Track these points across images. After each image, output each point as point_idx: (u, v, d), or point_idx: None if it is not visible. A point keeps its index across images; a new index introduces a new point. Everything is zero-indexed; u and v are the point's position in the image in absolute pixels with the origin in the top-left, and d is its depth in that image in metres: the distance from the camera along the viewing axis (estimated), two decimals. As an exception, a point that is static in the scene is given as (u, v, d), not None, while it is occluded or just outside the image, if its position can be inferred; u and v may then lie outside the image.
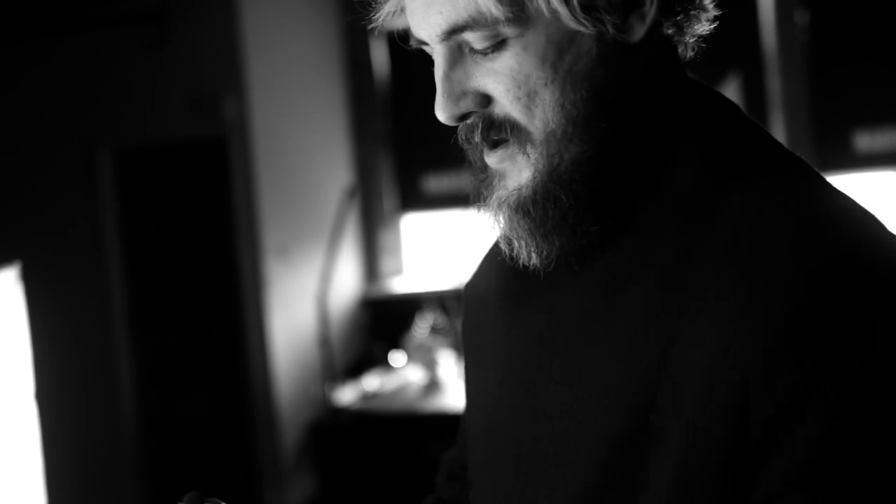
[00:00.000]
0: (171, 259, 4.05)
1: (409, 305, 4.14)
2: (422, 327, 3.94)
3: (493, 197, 0.74)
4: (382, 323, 4.42)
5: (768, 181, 0.68)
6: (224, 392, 3.98)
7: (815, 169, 0.74)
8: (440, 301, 4.03)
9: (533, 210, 0.71)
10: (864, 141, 3.98)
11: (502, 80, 0.69)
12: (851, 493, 0.58)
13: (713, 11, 0.74)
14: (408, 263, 4.63)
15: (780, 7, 4.01)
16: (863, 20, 3.95)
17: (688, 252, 0.67)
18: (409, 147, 4.58)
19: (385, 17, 0.77)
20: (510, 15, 0.66)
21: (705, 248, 0.66)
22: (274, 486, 3.82)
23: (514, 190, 0.72)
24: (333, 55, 4.50)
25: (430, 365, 3.69)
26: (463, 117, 0.72)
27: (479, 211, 0.77)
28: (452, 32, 0.69)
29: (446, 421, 3.18)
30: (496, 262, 0.86)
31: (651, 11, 0.68)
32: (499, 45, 0.68)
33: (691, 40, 0.75)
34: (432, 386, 3.63)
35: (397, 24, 0.78)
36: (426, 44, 0.73)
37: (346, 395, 3.73)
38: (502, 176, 0.73)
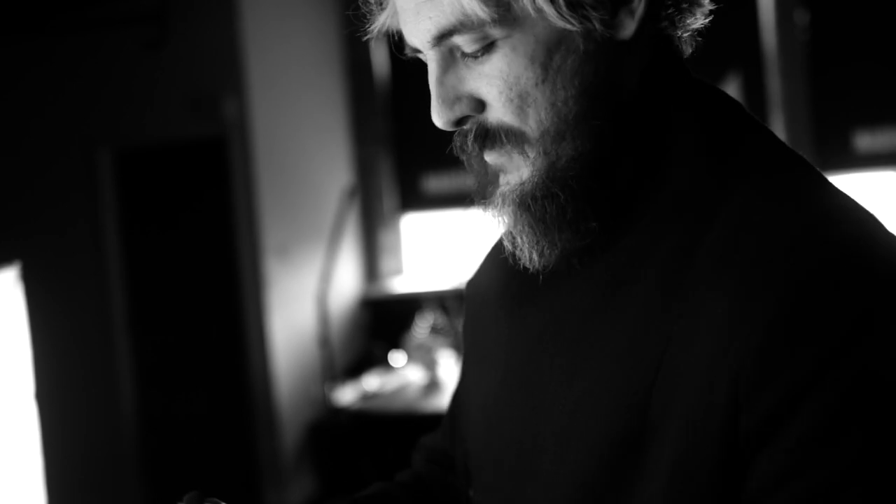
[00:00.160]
0: (171, 259, 4.05)
1: (409, 305, 4.14)
2: (422, 327, 3.94)
3: (497, 193, 0.74)
4: (382, 323, 4.42)
5: (768, 181, 0.68)
6: (224, 392, 3.98)
7: (816, 168, 0.73)
8: (440, 301, 4.03)
9: (532, 205, 0.71)
10: (864, 141, 3.98)
11: (494, 83, 0.69)
12: (841, 491, 0.59)
13: (708, 5, 0.74)
14: (408, 263, 4.63)
15: (780, 7, 4.01)
16: (863, 20, 3.95)
17: (688, 252, 0.67)
18: (409, 147, 4.58)
19: (380, 27, 0.77)
20: (496, 16, 0.66)
21: (705, 248, 0.66)
22: (274, 486, 3.82)
23: (517, 185, 0.72)
24: (333, 55, 4.50)
25: (430, 365, 3.69)
26: (459, 122, 0.73)
27: (483, 209, 0.77)
28: (442, 37, 0.69)
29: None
30: (498, 262, 0.86)
31: (640, 7, 0.68)
32: (488, 47, 0.68)
33: (686, 35, 0.75)
34: (432, 386, 3.63)
35: (396, 25, 0.78)
36: (420, 51, 0.73)
37: (346, 395, 3.73)
38: (503, 171, 0.73)
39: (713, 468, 0.62)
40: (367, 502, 0.98)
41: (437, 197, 4.53)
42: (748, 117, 0.76)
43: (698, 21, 0.74)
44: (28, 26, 3.99)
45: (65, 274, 4.10)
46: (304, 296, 3.99)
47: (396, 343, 4.07)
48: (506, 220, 0.74)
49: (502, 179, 0.74)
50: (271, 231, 3.85)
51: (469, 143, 0.73)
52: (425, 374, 3.71)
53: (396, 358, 4.01)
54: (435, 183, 4.53)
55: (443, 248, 4.55)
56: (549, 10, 0.66)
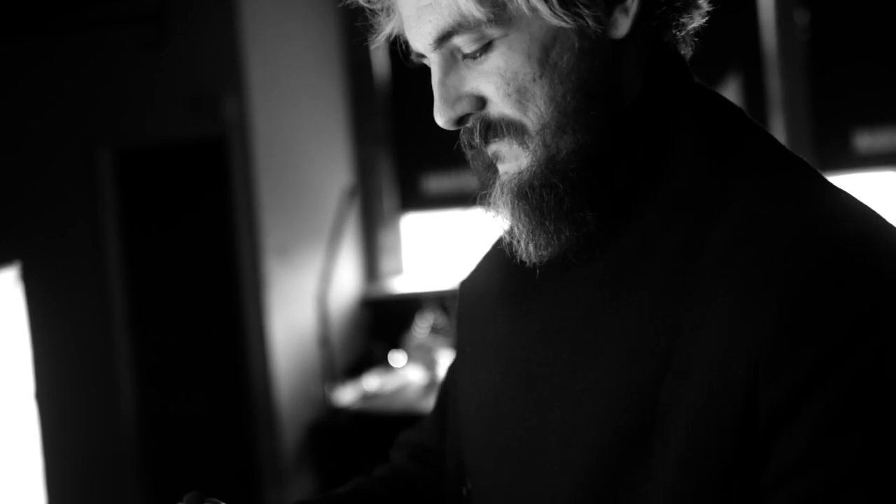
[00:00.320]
0: (171, 259, 4.05)
1: (409, 305, 4.14)
2: (422, 327, 3.94)
3: (497, 183, 0.76)
4: (382, 323, 4.42)
5: (769, 180, 0.70)
6: (224, 392, 3.98)
7: (815, 169, 0.75)
8: (440, 301, 4.03)
9: (530, 194, 0.73)
10: (864, 141, 3.98)
11: (492, 80, 0.72)
12: (842, 491, 0.60)
13: (705, 6, 0.76)
14: (408, 263, 4.63)
15: (780, 7, 4.01)
16: (863, 20, 3.95)
17: (690, 249, 0.69)
18: (409, 147, 4.58)
19: (388, 35, 0.81)
20: (492, 16, 0.69)
21: (709, 245, 0.68)
22: (274, 486, 3.83)
23: (515, 174, 0.74)
24: (334, 55, 4.50)
25: (430, 365, 3.69)
26: (460, 120, 0.75)
27: (483, 202, 0.79)
28: (442, 39, 0.72)
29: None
30: (496, 261, 0.89)
31: (634, 6, 0.70)
32: (486, 47, 0.71)
33: (681, 34, 0.77)
34: (432, 386, 3.63)
35: (403, 32, 0.80)
36: (424, 56, 0.76)
37: (346, 395, 3.73)
38: (502, 161, 0.76)
39: (726, 454, 0.63)
40: (346, 499, 0.97)
41: (437, 197, 4.53)
42: (747, 120, 0.78)
43: (695, 22, 0.76)
44: (28, 26, 3.99)
45: (65, 274, 4.10)
46: (304, 296, 3.99)
47: (396, 343, 4.07)
48: (504, 210, 0.76)
49: (501, 169, 0.76)
50: (271, 231, 3.85)
51: (476, 137, 0.75)
52: (425, 374, 3.71)
53: (396, 358, 4.01)
54: (435, 183, 4.53)
55: (443, 248, 4.55)
56: (542, 9, 0.68)
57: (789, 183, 0.71)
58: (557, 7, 0.68)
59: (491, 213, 0.78)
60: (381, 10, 0.80)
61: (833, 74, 3.99)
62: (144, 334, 4.08)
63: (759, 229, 0.66)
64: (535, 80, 0.70)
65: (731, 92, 4.08)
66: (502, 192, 0.75)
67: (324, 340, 3.57)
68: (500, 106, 0.73)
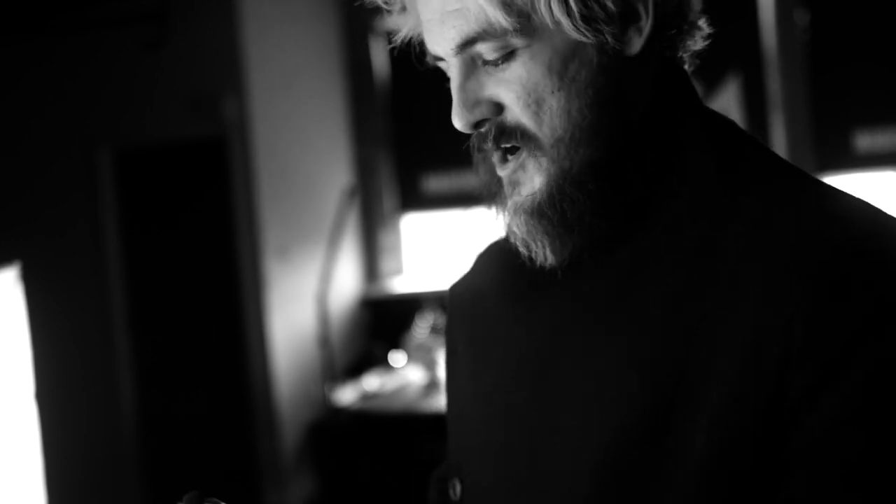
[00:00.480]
0: (171, 259, 4.05)
1: (409, 305, 4.14)
2: (422, 327, 3.94)
3: (509, 204, 0.78)
4: (382, 323, 4.42)
5: (782, 184, 0.74)
6: (224, 392, 3.98)
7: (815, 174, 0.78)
8: (440, 301, 4.03)
9: (550, 211, 0.75)
10: (864, 141, 3.98)
11: (513, 88, 0.74)
12: (883, 454, 0.63)
13: (706, 29, 0.80)
14: (408, 263, 4.63)
15: (780, 7, 4.00)
16: (863, 20, 3.95)
17: (707, 247, 0.72)
18: (409, 147, 4.58)
19: (404, 38, 0.82)
20: (518, 26, 0.71)
21: (726, 244, 0.71)
22: (274, 486, 3.83)
23: (528, 196, 0.76)
24: (334, 55, 4.50)
25: (430, 365, 3.69)
26: (477, 124, 0.77)
27: (494, 217, 0.82)
28: (466, 45, 0.74)
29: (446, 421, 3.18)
30: (496, 262, 0.91)
31: (647, 25, 0.73)
32: (508, 55, 0.73)
33: (686, 55, 0.80)
34: (432, 386, 3.63)
35: (419, 35, 0.82)
36: (441, 59, 0.78)
37: (346, 395, 3.73)
38: (515, 184, 0.78)
39: (753, 431, 0.66)
40: None
41: (437, 197, 4.53)
42: (750, 135, 0.80)
43: (697, 44, 0.80)
44: (28, 26, 3.99)
45: (65, 274, 4.10)
46: (304, 296, 3.99)
47: (396, 343, 4.07)
48: (519, 228, 0.78)
49: (515, 190, 0.78)
50: (271, 231, 3.85)
51: (489, 142, 0.77)
52: (425, 374, 3.71)
53: (396, 358, 4.01)
54: (435, 183, 4.53)
55: (443, 248, 4.55)
56: (565, 23, 0.71)
57: (801, 186, 0.74)
58: (580, 22, 0.71)
59: (505, 226, 0.80)
60: (398, 10, 0.81)
61: (833, 74, 3.99)
62: (144, 334, 4.08)
63: (779, 227, 0.69)
64: (553, 92, 0.73)
65: (731, 92, 4.08)
66: (518, 212, 0.77)
67: (324, 340, 3.57)
68: (517, 114, 0.75)
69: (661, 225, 0.75)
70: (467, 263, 1.00)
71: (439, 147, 4.39)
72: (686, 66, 0.81)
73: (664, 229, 0.75)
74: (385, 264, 4.61)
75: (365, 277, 4.59)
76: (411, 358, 3.84)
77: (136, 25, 3.84)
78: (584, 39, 0.72)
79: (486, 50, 0.74)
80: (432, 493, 1.05)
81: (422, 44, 0.80)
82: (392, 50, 0.84)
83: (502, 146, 0.77)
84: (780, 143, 4.04)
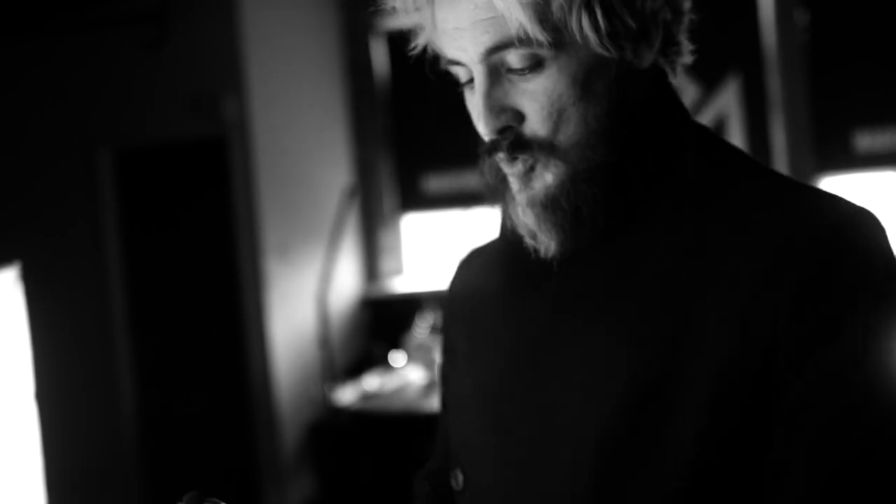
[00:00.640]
0: (171, 259, 4.05)
1: (409, 305, 4.14)
2: (422, 327, 3.94)
3: (521, 197, 0.83)
4: (382, 323, 4.42)
5: (763, 180, 0.82)
6: (224, 392, 3.98)
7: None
8: (440, 301, 4.03)
9: (566, 203, 0.81)
10: (864, 141, 3.98)
11: (538, 99, 0.79)
12: (869, 407, 0.71)
13: (690, 48, 0.87)
14: (408, 263, 4.63)
15: (780, 7, 4.01)
16: (863, 20, 3.95)
17: (701, 234, 0.79)
18: (409, 147, 4.58)
19: (422, 45, 0.86)
20: (551, 39, 0.76)
21: (718, 231, 0.78)
22: (274, 486, 3.83)
23: (541, 189, 0.81)
24: (333, 55, 4.50)
25: (430, 365, 3.69)
26: (501, 130, 0.81)
27: (498, 212, 0.87)
28: (495, 50, 0.78)
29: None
30: (493, 258, 0.96)
31: (657, 41, 0.80)
32: (535, 65, 0.78)
33: (675, 69, 0.88)
34: (432, 386, 3.63)
35: (433, 42, 0.86)
36: (459, 64, 0.81)
37: (346, 395, 3.73)
38: (527, 181, 0.82)
39: (747, 394, 0.73)
40: None
41: (437, 197, 4.53)
42: (727, 140, 0.88)
43: (685, 59, 0.87)
44: (28, 26, 3.99)
45: (65, 274, 4.10)
46: (304, 296, 3.99)
47: (396, 343, 4.07)
48: (529, 220, 0.83)
49: (526, 185, 0.83)
50: (271, 231, 3.85)
51: (504, 149, 0.81)
52: (425, 374, 3.71)
53: (396, 358, 4.01)
54: (435, 183, 4.53)
55: (443, 248, 4.55)
56: (592, 38, 0.76)
57: (780, 182, 0.81)
58: (606, 38, 0.76)
59: (507, 219, 0.85)
60: (410, 17, 0.85)
61: (833, 74, 3.99)
62: (144, 334, 4.08)
63: (764, 217, 0.77)
64: (574, 103, 0.78)
65: (731, 92, 4.08)
66: (530, 205, 0.82)
67: (324, 340, 3.57)
68: (537, 126, 0.80)
69: (659, 217, 0.81)
70: (451, 270, 1.06)
71: (439, 147, 4.39)
72: (674, 78, 0.88)
73: (662, 220, 0.81)
74: (385, 264, 4.61)
75: (365, 277, 4.59)
76: (411, 358, 3.84)
77: (136, 25, 3.84)
78: (606, 54, 0.77)
79: (514, 58, 0.77)
80: (422, 489, 1.08)
81: (430, 49, 0.85)
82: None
83: (517, 155, 0.81)
84: (780, 143, 4.04)
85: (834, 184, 4.04)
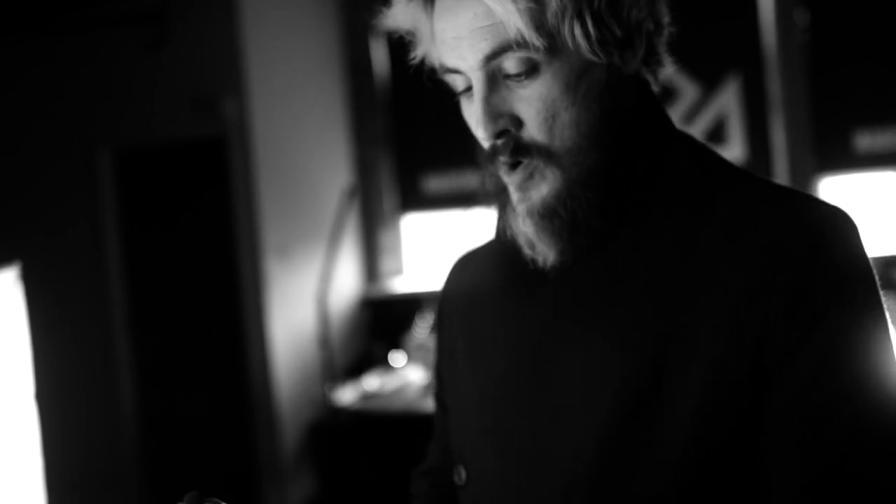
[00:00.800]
0: (171, 259, 4.05)
1: (410, 305, 4.15)
2: (422, 327, 3.94)
3: (520, 208, 0.87)
4: (382, 323, 4.42)
5: (747, 184, 0.86)
6: (224, 392, 3.98)
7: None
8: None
9: (562, 211, 0.84)
10: (864, 141, 3.98)
11: (533, 104, 0.83)
12: (851, 405, 0.76)
13: (670, 64, 0.91)
14: (408, 263, 4.63)
15: (780, 7, 4.01)
16: (863, 20, 3.95)
17: (692, 236, 0.83)
18: (409, 147, 4.58)
19: (420, 56, 0.90)
20: (546, 44, 0.80)
21: (708, 234, 0.82)
22: (274, 486, 3.83)
23: (538, 199, 0.85)
24: (333, 55, 4.50)
25: (430, 365, 3.69)
26: (498, 135, 0.85)
27: (496, 221, 0.91)
28: (494, 56, 0.82)
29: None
30: (491, 262, 0.99)
31: (641, 50, 0.85)
32: (531, 71, 0.82)
33: (657, 79, 0.92)
34: (432, 386, 3.63)
35: (432, 51, 0.89)
36: (457, 72, 0.85)
37: (346, 395, 3.73)
38: (525, 190, 0.86)
39: (739, 387, 0.78)
40: None
41: (437, 197, 4.53)
42: (709, 147, 0.93)
43: (666, 69, 0.91)
44: (28, 26, 3.99)
45: (65, 274, 4.10)
46: (304, 296, 3.99)
47: (396, 343, 4.07)
48: (528, 230, 0.86)
49: (524, 195, 0.86)
50: (271, 231, 3.85)
51: (505, 154, 0.85)
52: (425, 374, 3.71)
53: (396, 358, 4.01)
54: (435, 183, 4.53)
55: (443, 248, 4.55)
56: (584, 45, 0.81)
57: (768, 186, 0.85)
58: (596, 45, 0.81)
59: (506, 228, 0.89)
60: (409, 35, 0.90)
61: (833, 74, 3.99)
62: (144, 334, 4.08)
63: (750, 219, 0.81)
64: (567, 107, 0.83)
65: (731, 92, 4.08)
66: (529, 215, 0.86)
67: (324, 340, 3.57)
68: (534, 130, 0.84)
69: (651, 223, 0.85)
70: (446, 271, 1.09)
71: (439, 147, 4.39)
72: (656, 87, 0.93)
73: (654, 226, 0.85)
74: (385, 264, 4.61)
75: (365, 277, 4.59)
76: (411, 358, 3.84)
77: (136, 25, 3.84)
78: (596, 60, 0.82)
79: (511, 63, 0.82)
80: (420, 486, 1.11)
81: (428, 59, 0.89)
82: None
83: (516, 159, 0.84)
84: (780, 143, 4.05)
85: (834, 184, 4.04)
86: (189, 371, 4.04)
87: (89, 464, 4.10)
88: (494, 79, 0.83)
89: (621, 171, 0.86)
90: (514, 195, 0.87)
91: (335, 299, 4.14)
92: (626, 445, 0.80)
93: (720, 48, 4.07)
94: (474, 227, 0.93)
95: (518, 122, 0.84)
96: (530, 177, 0.85)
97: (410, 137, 4.56)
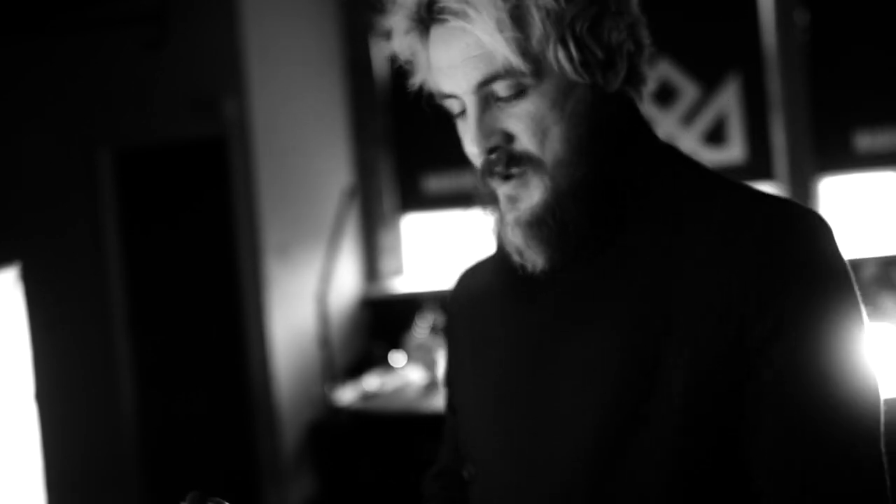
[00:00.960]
0: (171, 259, 4.05)
1: (410, 305, 4.14)
2: (422, 327, 3.94)
3: (508, 218, 0.93)
4: (382, 323, 4.42)
5: (725, 191, 0.92)
6: (224, 392, 3.98)
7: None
8: (440, 301, 4.03)
9: (550, 220, 0.91)
10: (864, 141, 3.98)
11: (523, 121, 0.90)
12: (830, 367, 0.82)
13: (652, 81, 0.99)
14: (408, 263, 4.63)
15: (780, 7, 4.01)
16: (863, 20, 3.95)
17: (677, 239, 0.89)
18: (409, 147, 4.58)
19: (420, 80, 0.98)
20: (532, 69, 0.88)
21: (691, 233, 0.89)
22: (274, 486, 3.83)
23: (527, 209, 0.92)
24: (334, 55, 4.50)
25: (430, 365, 3.69)
26: (490, 150, 0.92)
27: (491, 230, 0.97)
28: (485, 83, 0.89)
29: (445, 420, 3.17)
30: (493, 268, 1.06)
31: (623, 70, 0.92)
32: (519, 93, 0.89)
33: (641, 98, 0.99)
34: (432, 386, 3.63)
35: (429, 78, 0.97)
36: (453, 97, 0.93)
37: (346, 395, 3.73)
38: (514, 200, 0.93)
39: (723, 374, 0.84)
40: None
41: (437, 197, 4.53)
42: (690, 156, 0.99)
43: (649, 88, 0.99)
44: (28, 26, 3.99)
45: (65, 274, 4.10)
46: (304, 296, 3.99)
47: (396, 343, 4.07)
48: (517, 238, 0.93)
49: (513, 206, 0.93)
50: (271, 231, 3.85)
51: (499, 166, 0.92)
52: (425, 374, 3.71)
53: (396, 358, 4.01)
54: (435, 183, 4.53)
55: (443, 248, 4.55)
56: (567, 67, 0.88)
57: (747, 191, 0.92)
58: (580, 67, 0.89)
59: (504, 237, 0.95)
60: (408, 63, 0.98)
61: (833, 74, 3.99)
62: (144, 334, 4.08)
63: (730, 223, 0.87)
64: (556, 123, 0.90)
65: (731, 92, 4.08)
66: (519, 224, 0.92)
67: (324, 340, 3.57)
68: (525, 143, 0.90)
69: (640, 227, 0.92)
70: (454, 280, 1.16)
71: (439, 147, 4.39)
72: (642, 105, 1.00)
73: (642, 230, 0.91)
74: (385, 264, 4.61)
75: (365, 277, 4.59)
76: (411, 358, 3.84)
77: (136, 25, 3.84)
78: (580, 80, 0.89)
79: (501, 88, 0.89)
80: (432, 490, 1.16)
81: (426, 86, 0.97)
82: (369, 47, 0.96)
83: (510, 170, 0.91)
84: (780, 143, 4.05)
85: (834, 184, 4.04)
86: (189, 371, 4.04)
87: (89, 464, 4.10)
88: (487, 101, 0.91)
89: (609, 181, 0.92)
90: (504, 206, 0.94)
91: (335, 299, 4.14)
92: (623, 439, 0.85)
93: (720, 48, 4.07)
94: (474, 227, 1.00)
95: (509, 138, 0.91)
96: (522, 186, 0.92)
97: (410, 137, 4.56)
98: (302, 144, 4.18)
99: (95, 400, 4.08)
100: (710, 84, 4.08)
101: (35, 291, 4.06)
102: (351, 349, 4.33)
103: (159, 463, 4.06)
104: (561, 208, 0.91)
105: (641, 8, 0.96)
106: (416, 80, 0.98)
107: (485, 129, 0.91)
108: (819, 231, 0.86)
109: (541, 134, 0.90)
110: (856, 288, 0.87)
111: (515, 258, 0.94)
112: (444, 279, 4.27)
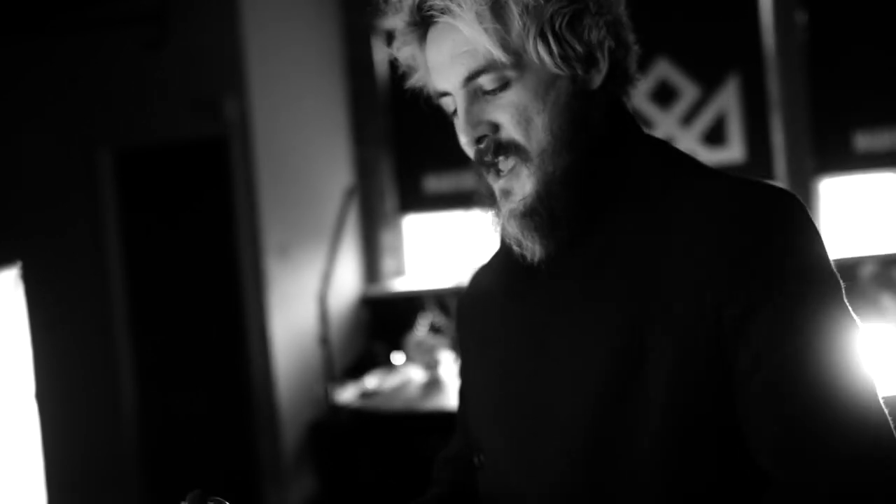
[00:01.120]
0: (172, 259, 4.05)
1: (410, 305, 4.15)
2: (422, 327, 3.94)
3: (504, 210, 0.99)
4: (383, 322, 4.42)
5: (708, 180, 0.96)
6: (224, 392, 3.98)
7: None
8: (440, 300, 4.03)
9: (541, 209, 0.96)
10: (864, 141, 3.98)
11: (508, 111, 0.96)
12: (811, 350, 0.86)
13: (639, 78, 1.04)
14: (409, 263, 4.64)
15: (779, 7, 4.01)
16: (862, 20, 3.95)
17: (660, 225, 0.94)
18: (410, 147, 4.58)
19: (418, 84, 1.05)
20: (513, 61, 0.94)
21: (675, 222, 0.93)
22: (274, 485, 3.83)
23: (520, 200, 0.97)
24: (334, 55, 4.50)
25: (431, 364, 3.70)
26: (478, 140, 0.98)
27: (490, 221, 1.02)
28: (471, 78, 0.96)
29: (446, 419, 3.18)
30: (494, 269, 1.12)
31: (604, 68, 0.97)
32: (504, 86, 0.96)
33: (629, 96, 1.04)
34: (432, 385, 3.63)
35: (426, 79, 1.04)
36: (447, 94, 0.99)
37: (347, 394, 3.73)
38: (508, 193, 0.99)
39: (706, 358, 0.88)
40: None
41: (438, 197, 4.53)
42: (677, 148, 1.04)
43: (635, 88, 1.04)
44: (28, 26, 3.99)
45: (65, 274, 4.10)
46: (304, 295, 3.99)
47: (397, 342, 4.07)
48: (513, 230, 0.98)
49: (508, 199, 0.99)
50: (271, 231, 3.85)
51: (489, 154, 0.98)
52: (425, 374, 3.72)
53: (397, 357, 4.01)
54: (435, 183, 4.53)
55: (443, 248, 4.55)
56: (548, 60, 0.95)
57: (728, 179, 0.95)
58: (559, 60, 0.94)
59: (500, 229, 1.01)
60: (408, 68, 1.04)
61: (833, 75, 3.99)
62: (144, 334, 4.08)
63: (709, 209, 0.91)
64: (539, 112, 0.95)
65: (731, 92, 4.08)
66: (513, 215, 0.97)
67: (324, 340, 3.57)
68: (511, 131, 0.96)
69: (625, 214, 0.96)
70: (469, 276, 1.21)
71: (439, 147, 4.37)
72: (629, 102, 1.05)
73: (627, 217, 0.96)
74: (386, 264, 4.61)
75: (365, 277, 4.60)
76: (411, 357, 3.84)
77: (136, 25, 3.84)
78: (560, 73, 0.95)
79: (486, 81, 0.95)
80: (442, 473, 1.21)
81: (424, 87, 1.04)
82: (370, 48, 1.00)
83: (498, 158, 0.97)
84: (779, 143, 4.05)
85: (833, 184, 4.04)
86: (189, 371, 4.04)
87: (89, 463, 4.10)
88: (475, 95, 0.97)
89: (593, 170, 0.98)
90: (500, 199, 0.99)
91: (336, 299, 4.14)
92: (616, 414, 0.91)
93: (720, 48, 4.08)
94: (474, 227, 1.05)
95: (496, 128, 0.97)
96: (514, 178, 0.97)
97: (410, 137, 4.56)
98: (302, 145, 4.18)
99: (96, 400, 4.08)
100: (709, 84, 4.08)
101: (35, 291, 4.06)
102: (351, 349, 4.33)
103: (159, 462, 4.06)
104: (549, 197, 0.96)
105: (630, 11, 1.01)
106: (416, 82, 1.04)
107: (472, 119, 0.97)
108: (797, 213, 0.90)
109: (525, 123, 0.96)
110: (833, 266, 0.90)
111: (515, 249, 0.99)
112: (444, 279, 4.27)
